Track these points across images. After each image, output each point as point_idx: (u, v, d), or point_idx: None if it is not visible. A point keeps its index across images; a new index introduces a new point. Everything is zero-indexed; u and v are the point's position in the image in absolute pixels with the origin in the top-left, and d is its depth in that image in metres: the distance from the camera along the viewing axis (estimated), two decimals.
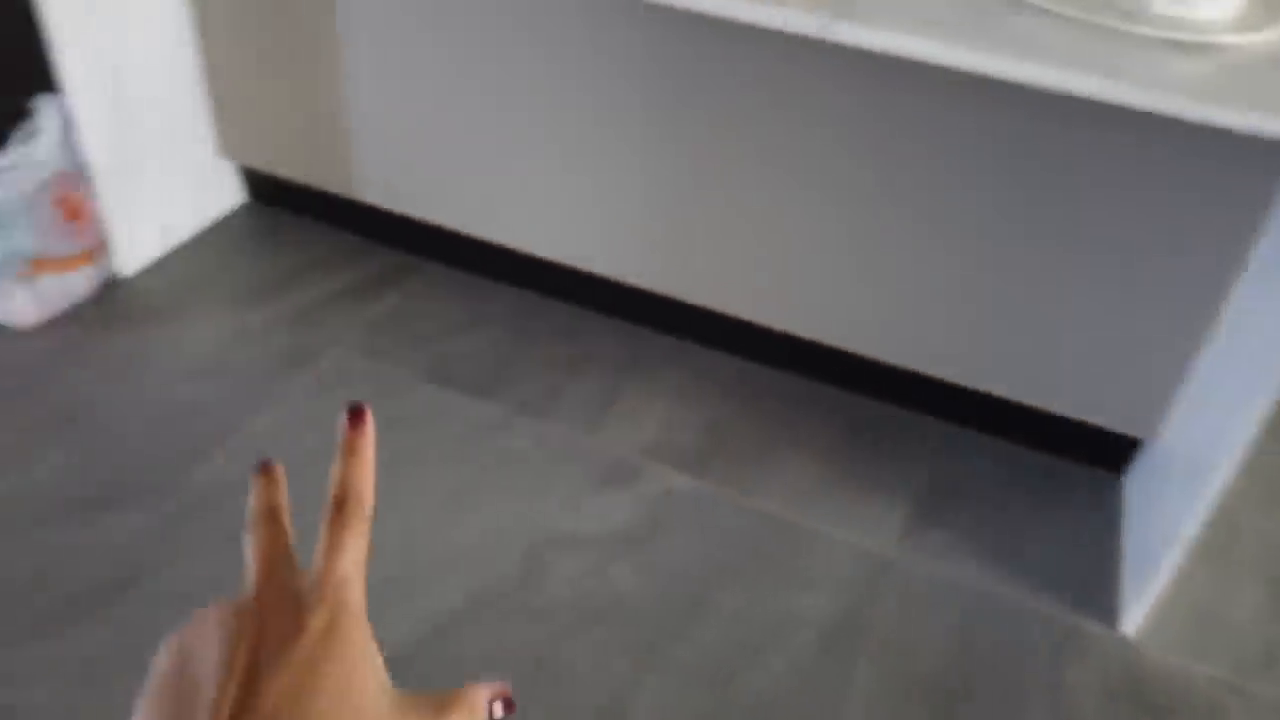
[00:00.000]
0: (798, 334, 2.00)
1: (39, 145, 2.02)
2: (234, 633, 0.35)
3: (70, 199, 2.04)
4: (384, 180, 2.22)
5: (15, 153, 2.01)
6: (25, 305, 2.00)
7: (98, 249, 2.11)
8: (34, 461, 1.77)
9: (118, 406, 1.90)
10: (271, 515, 0.41)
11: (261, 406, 1.92)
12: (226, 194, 2.40)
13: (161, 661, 0.36)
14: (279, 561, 0.39)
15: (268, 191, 2.41)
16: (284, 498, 0.42)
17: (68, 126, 2.02)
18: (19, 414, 1.86)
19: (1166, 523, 1.59)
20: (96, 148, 2.04)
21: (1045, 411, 1.89)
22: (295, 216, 2.39)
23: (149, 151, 2.16)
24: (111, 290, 2.15)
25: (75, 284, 2.07)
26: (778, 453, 1.91)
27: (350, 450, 0.41)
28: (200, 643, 0.36)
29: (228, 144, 2.32)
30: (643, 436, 1.93)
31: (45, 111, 2.04)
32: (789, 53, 1.72)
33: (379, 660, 0.37)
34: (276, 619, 0.36)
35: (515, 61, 1.95)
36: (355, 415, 0.41)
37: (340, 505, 0.40)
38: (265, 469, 0.43)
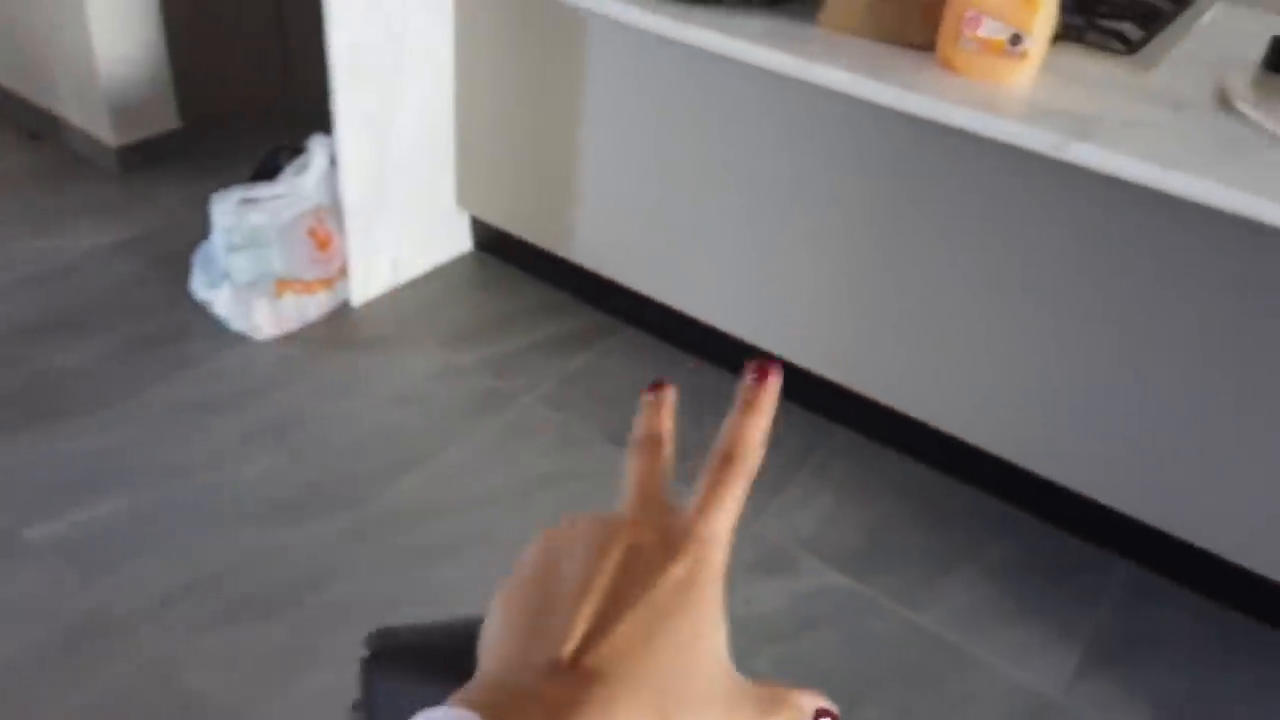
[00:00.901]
0: (987, 449, 1.85)
1: (306, 179, 2.16)
2: (602, 550, 0.34)
3: (321, 230, 2.17)
4: (599, 244, 2.25)
5: (286, 184, 2.16)
6: (265, 320, 2.13)
7: (336, 277, 2.23)
8: (246, 462, 1.87)
9: (328, 421, 1.98)
10: (655, 441, 0.39)
11: (454, 440, 1.95)
12: (456, 241, 2.50)
13: (529, 559, 0.35)
14: (655, 491, 0.37)
15: (492, 242, 2.49)
16: (671, 424, 0.39)
17: (333, 165, 2.16)
18: (243, 416, 1.97)
19: None
20: (353, 186, 2.16)
21: (1256, 574, 1.66)
22: (512, 268, 2.45)
23: (396, 195, 2.27)
24: (341, 315, 2.26)
25: (311, 306, 2.19)
26: (947, 567, 1.77)
27: (749, 405, 0.37)
28: (568, 550, 0.34)
29: (466, 196, 2.42)
30: (805, 528, 1.83)
31: (317, 150, 2.19)
32: (1013, 166, 1.62)
33: (724, 630, 0.34)
34: (642, 550, 0.34)
35: (735, 149, 1.94)
36: (762, 370, 0.38)
37: (727, 460, 0.36)
38: (658, 389, 0.40)
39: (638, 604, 0.32)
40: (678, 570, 0.33)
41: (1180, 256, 1.55)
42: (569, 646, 0.31)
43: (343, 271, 2.24)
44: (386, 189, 2.24)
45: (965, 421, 1.87)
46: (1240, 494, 1.63)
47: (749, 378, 0.37)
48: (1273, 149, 1.25)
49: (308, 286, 2.17)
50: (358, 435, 1.95)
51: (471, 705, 0.29)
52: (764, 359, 0.38)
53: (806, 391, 2.06)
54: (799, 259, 1.96)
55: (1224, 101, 1.37)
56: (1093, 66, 1.47)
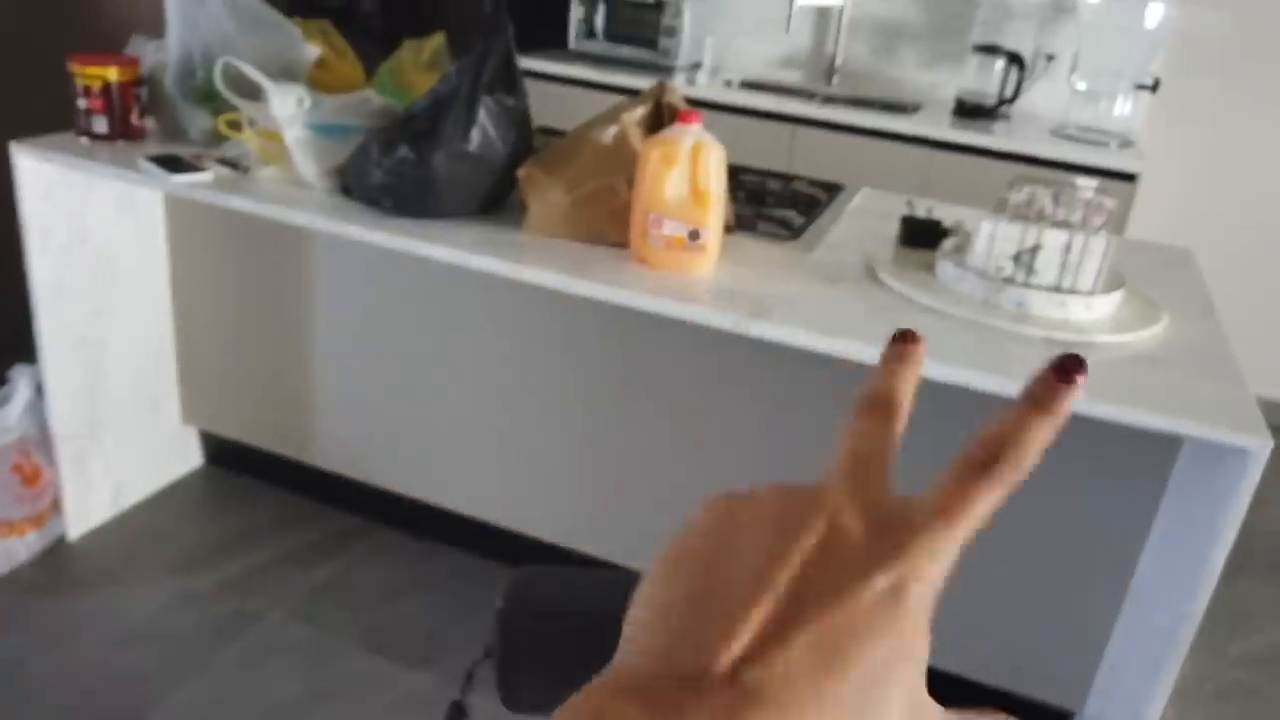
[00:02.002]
0: None
1: (8, 412, 1.99)
2: (793, 532, 0.27)
3: (28, 465, 1.99)
4: (340, 446, 2.21)
5: None
6: None
7: (47, 512, 2.04)
8: None
9: (41, 678, 1.76)
10: (886, 405, 0.31)
11: (192, 676, 1.78)
12: (184, 458, 2.36)
13: (700, 524, 0.29)
14: (874, 466, 0.29)
15: (224, 455, 2.37)
16: (910, 390, 0.32)
17: (38, 395, 2.01)
18: None
19: None
20: (62, 416, 2.01)
21: (980, 684, 1.81)
22: (249, 480, 2.34)
23: (113, 419, 2.14)
24: (56, 554, 2.05)
25: (19, 549, 1.98)
26: None
27: (1040, 404, 0.29)
28: (750, 523, 0.28)
29: (191, 411, 2.31)
30: None
31: (19, 380, 2.03)
32: (708, 339, 1.78)
33: (925, 662, 0.27)
34: (843, 541, 0.27)
35: (465, 342, 2.00)
36: (1069, 368, 0.29)
37: (992, 457, 0.28)
38: (906, 339, 0.33)
39: (826, 611, 0.26)
40: (882, 578, 0.26)
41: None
42: (731, 654, 0.25)
43: (55, 505, 2.05)
44: (102, 413, 2.10)
45: None
46: (960, 617, 1.80)
47: (1049, 372, 0.30)
48: (911, 312, 1.46)
49: (13, 528, 1.97)
50: (80, 688, 1.75)
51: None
52: (1076, 358, 0.30)
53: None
54: (537, 440, 2.02)
55: (871, 274, 1.59)
56: (764, 251, 1.67)
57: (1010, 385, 1.29)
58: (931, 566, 0.27)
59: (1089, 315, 1.46)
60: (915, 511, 0.28)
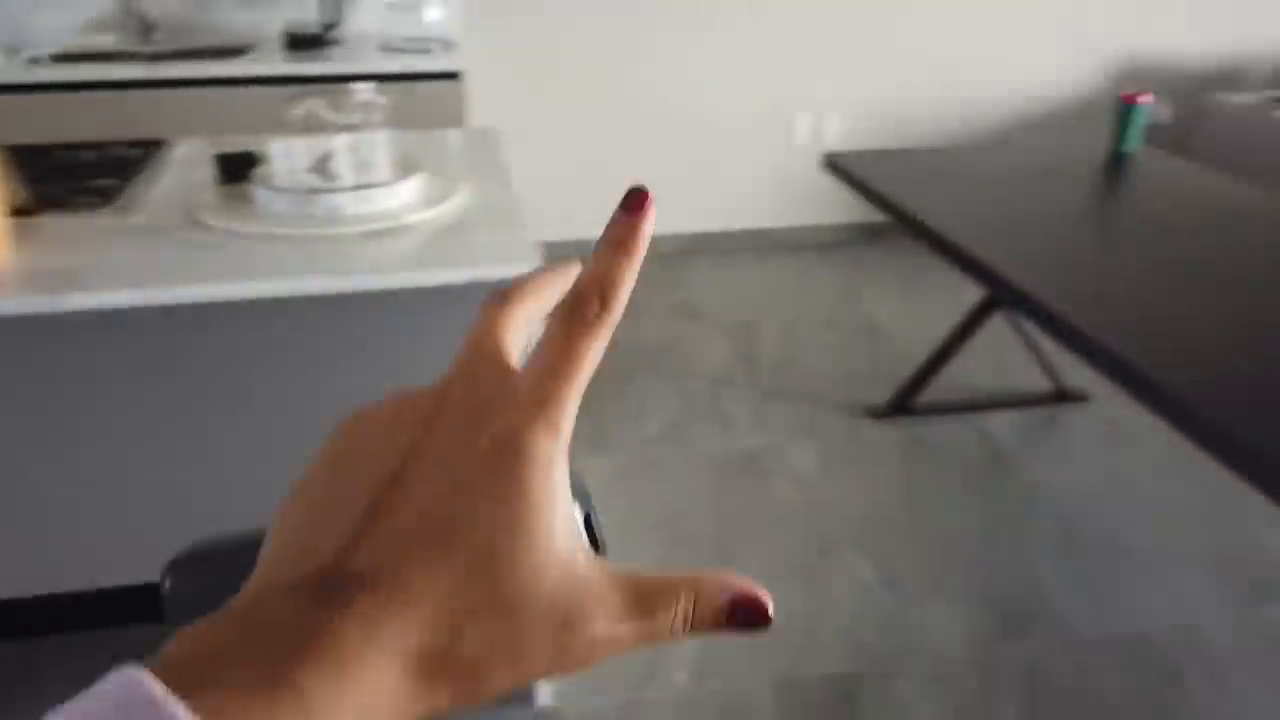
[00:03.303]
0: None
1: None
2: (404, 423, 0.27)
3: None
4: None
5: None
6: None
7: None
8: None
9: None
10: (517, 293, 0.30)
11: None
12: None
13: (325, 445, 0.28)
14: (494, 347, 0.29)
15: None
16: (560, 289, 0.31)
17: None
18: None
19: None
20: None
21: None
22: None
23: None
24: None
25: None
26: None
27: (618, 242, 0.28)
28: (370, 428, 0.27)
29: None
30: None
31: None
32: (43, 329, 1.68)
33: (565, 512, 0.25)
34: (451, 421, 0.26)
35: None
36: (636, 199, 0.29)
37: (579, 303, 0.27)
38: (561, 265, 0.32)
39: (429, 485, 0.25)
40: (486, 441, 0.25)
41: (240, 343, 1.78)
42: (334, 547, 0.24)
43: None
44: None
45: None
46: None
47: (620, 211, 0.29)
48: (233, 242, 1.51)
49: None
50: None
51: (165, 662, 0.21)
52: (639, 188, 0.30)
53: None
54: None
55: (194, 220, 1.61)
56: (75, 226, 1.59)
57: (350, 283, 1.41)
58: (549, 416, 0.26)
59: (395, 203, 1.63)
60: (522, 374, 0.28)
